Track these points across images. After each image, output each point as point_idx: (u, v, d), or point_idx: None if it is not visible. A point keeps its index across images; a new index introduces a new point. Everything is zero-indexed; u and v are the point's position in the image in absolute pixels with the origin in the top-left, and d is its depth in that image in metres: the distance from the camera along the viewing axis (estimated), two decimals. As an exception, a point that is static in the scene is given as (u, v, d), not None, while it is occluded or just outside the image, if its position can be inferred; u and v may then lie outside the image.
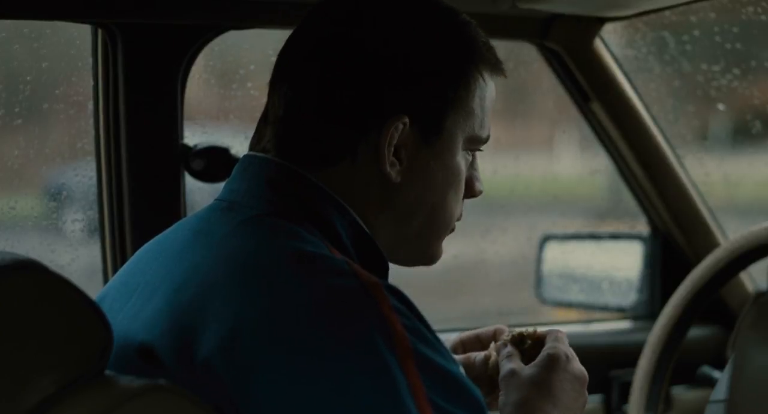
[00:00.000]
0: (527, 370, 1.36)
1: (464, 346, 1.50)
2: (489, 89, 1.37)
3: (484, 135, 1.37)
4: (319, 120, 1.31)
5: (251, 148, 1.37)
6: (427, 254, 1.40)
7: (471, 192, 1.40)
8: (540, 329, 1.42)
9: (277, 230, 1.26)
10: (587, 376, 1.37)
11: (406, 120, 1.30)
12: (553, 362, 1.35)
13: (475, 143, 1.37)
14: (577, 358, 1.38)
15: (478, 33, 1.36)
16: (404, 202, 1.34)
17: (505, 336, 1.43)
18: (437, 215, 1.36)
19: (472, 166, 1.39)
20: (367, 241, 1.32)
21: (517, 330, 1.43)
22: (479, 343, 1.49)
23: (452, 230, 1.41)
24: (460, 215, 1.41)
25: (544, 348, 1.38)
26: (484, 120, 1.36)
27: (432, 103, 1.31)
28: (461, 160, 1.36)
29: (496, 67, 1.37)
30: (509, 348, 1.40)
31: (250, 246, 1.25)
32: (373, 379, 1.14)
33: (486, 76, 1.36)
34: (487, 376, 1.42)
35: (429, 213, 1.35)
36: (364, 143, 1.30)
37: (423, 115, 1.31)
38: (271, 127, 1.34)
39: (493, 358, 1.43)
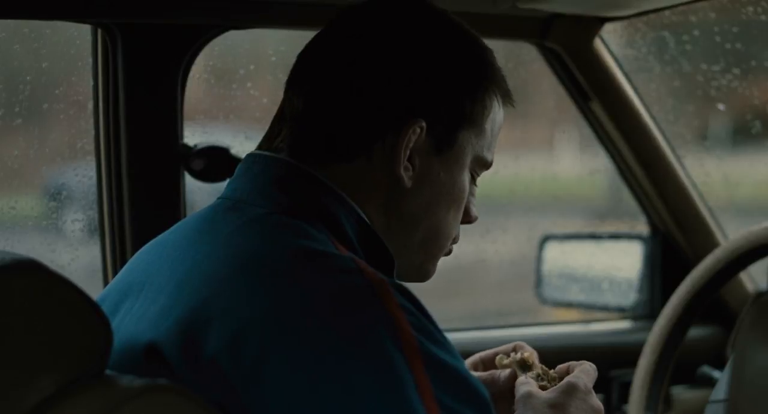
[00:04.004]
0: (546, 393, 1.37)
1: (484, 364, 1.51)
2: (500, 114, 1.39)
3: (489, 158, 1.40)
4: (339, 118, 1.32)
5: (259, 147, 1.37)
6: (422, 269, 1.41)
7: (467, 217, 1.42)
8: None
9: (283, 228, 1.27)
10: (604, 412, 1.38)
11: (424, 124, 1.31)
12: (573, 389, 1.36)
13: (480, 165, 1.39)
14: (595, 395, 1.39)
15: (496, 60, 1.39)
16: (410, 209, 1.35)
17: (537, 365, 1.43)
18: (439, 229, 1.37)
19: (470, 192, 1.41)
20: (372, 237, 1.33)
21: (550, 370, 1.43)
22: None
23: (449, 253, 1.42)
24: (457, 237, 1.42)
25: (568, 376, 1.39)
26: (492, 143, 1.39)
27: (449, 113, 1.33)
28: (466, 178, 1.37)
29: (507, 95, 1.40)
30: (524, 378, 1.41)
31: (256, 244, 1.26)
32: (380, 377, 1.15)
33: (499, 99, 1.38)
34: (511, 393, 1.42)
35: (431, 225, 1.36)
36: (380, 143, 1.32)
37: (439, 123, 1.33)
38: (287, 125, 1.35)
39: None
